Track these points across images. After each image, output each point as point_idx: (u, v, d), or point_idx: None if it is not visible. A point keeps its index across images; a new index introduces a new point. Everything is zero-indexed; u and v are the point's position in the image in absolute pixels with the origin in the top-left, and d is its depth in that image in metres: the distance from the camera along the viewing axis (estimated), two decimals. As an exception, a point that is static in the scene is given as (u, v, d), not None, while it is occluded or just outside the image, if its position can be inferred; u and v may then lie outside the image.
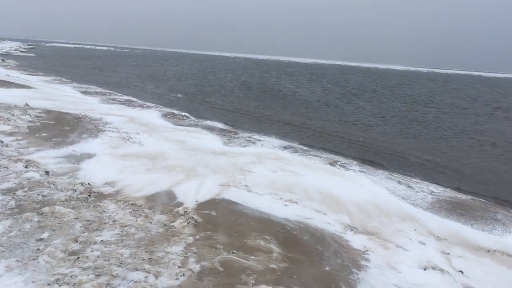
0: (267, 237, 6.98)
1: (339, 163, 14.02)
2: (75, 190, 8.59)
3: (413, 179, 12.89)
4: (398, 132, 21.75)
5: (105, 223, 7.19)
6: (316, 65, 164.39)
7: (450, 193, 11.69)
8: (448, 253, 7.38)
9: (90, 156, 11.75)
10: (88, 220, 7.24)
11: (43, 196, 8.23)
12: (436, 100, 40.26)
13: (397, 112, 29.05)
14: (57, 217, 7.29)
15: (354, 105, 32.06)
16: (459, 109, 33.69)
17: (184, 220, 7.45)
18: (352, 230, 7.94)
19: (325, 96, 37.87)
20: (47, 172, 9.64)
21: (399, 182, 12.28)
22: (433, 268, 6.71)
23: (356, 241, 7.46)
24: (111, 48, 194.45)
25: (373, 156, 16.16)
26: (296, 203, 9.30)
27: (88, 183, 9.09)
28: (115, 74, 47.39)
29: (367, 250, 7.08)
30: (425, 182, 12.64)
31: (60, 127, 15.10)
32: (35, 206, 7.69)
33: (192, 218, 7.46)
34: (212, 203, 8.68)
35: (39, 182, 8.94)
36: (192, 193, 9.21)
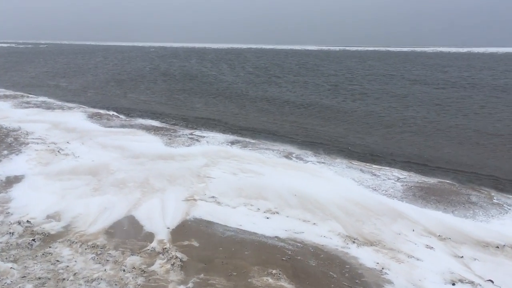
0: (273, 272, 5.60)
1: (294, 155, 12.87)
2: (12, 234, 6.59)
3: (374, 165, 12.09)
4: (331, 113, 21.11)
5: (64, 279, 5.39)
6: (232, 50, 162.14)
7: (415, 177, 11.01)
8: (462, 257, 6.50)
9: (18, 179, 9.56)
10: (40, 278, 5.39)
11: (-30, 247, 6.18)
12: (357, 78, 40.61)
13: (324, 93, 28.57)
14: (-4, 278, 5.36)
15: (282, 88, 31.20)
16: (380, 84, 34.10)
17: (165, 260, 5.83)
18: (353, 241, 6.81)
19: (251, 81, 36.65)
20: (-32, 211, 7.45)
21: (362, 171, 11.41)
22: (461, 281, 5.75)
23: (365, 256, 6.32)
24: (13, 45, 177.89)
25: (321, 141, 15.28)
26: (278, 213, 7.99)
27: (27, 221, 7.08)
28: (22, 73, 42.62)
29: (383, 268, 5.97)
30: (386, 168, 11.89)
31: (-28, 144, 12.46)
32: (-38, 265, 5.67)
33: (176, 257, 5.86)
34: (187, 229, 7.10)
35: (-39, 227, 6.80)
36: (157, 216, 7.55)
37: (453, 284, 5.66)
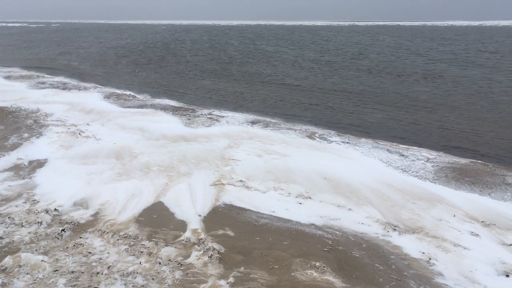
0: (317, 264, 5.24)
1: (317, 134, 12.42)
2: (41, 223, 6.29)
3: (401, 145, 11.62)
4: (346, 90, 20.45)
5: (98, 273, 5.08)
6: (246, 26, 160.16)
7: (446, 158, 10.53)
8: (511, 244, 6.09)
9: (41, 163, 9.26)
10: (73, 272, 5.09)
11: (-1, 238, 5.89)
12: (368, 52, 39.70)
13: (335, 70, 27.86)
14: (27, 273, 5.07)
15: (294, 65, 30.52)
16: (395, 59, 33.27)
17: (201, 251, 5.49)
18: (394, 229, 6.41)
19: (262, 58, 35.92)
20: (-6, 198, 7.16)
21: (389, 151, 10.95)
22: (516, 272, 5.35)
23: (409, 245, 5.94)
24: (25, 24, 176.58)
25: (342, 120, 14.81)
26: (310, 198, 7.60)
27: (55, 209, 6.78)
28: (36, 53, 42.21)
29: (430, 259, 5.58)
30: (414, 147, 11.41)
31: (-8, 127, 12.17)
32: (-8, 258, 5.38)
33: (213, 248, 5.51)
34: (219, 216, 6.75)
35: (-12, 216, 6.51)
36: (187, 203, 7.20)
37: (507, 276, 5.26)
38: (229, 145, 10.93)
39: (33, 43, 57.83)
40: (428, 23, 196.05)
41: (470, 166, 9.91)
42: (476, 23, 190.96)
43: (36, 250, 5.56)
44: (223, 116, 14.67)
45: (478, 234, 6.35)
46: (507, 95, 18.60)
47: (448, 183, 8.80)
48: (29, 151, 10.04)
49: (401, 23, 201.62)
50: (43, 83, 22.09)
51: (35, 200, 7.15)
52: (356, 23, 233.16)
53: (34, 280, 4.93)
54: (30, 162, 9.28)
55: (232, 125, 13.36)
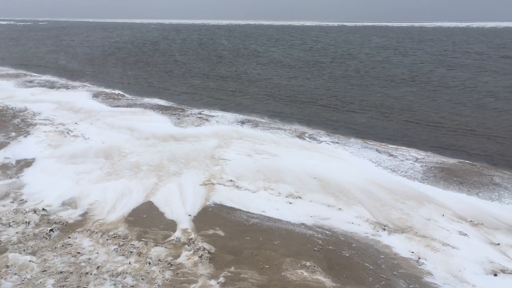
0: (307, 264, 5.24)
1: (306, 134, 12.44)
2: (28, 223, 6.20)
3: (390, 145, 11.68)
4: (334, 87, 20.55)
5: (87, 273, 5.02)
6: (235, 26, 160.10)
7: (434, 158, 10.62)
8: (498, 244, 6.15)
9: (29, 162, 9.15)
10: (61, 272, 5.02)
11: (-14, 238, 5.79)
12: (361, 52, 39.89)
13: (324, 72, 27.95)
14: (15, 273, 4.99)
15: (284, 65, 30.56)
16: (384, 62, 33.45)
17: (191, 251, 5.46)
18: (383, 229, 6.44)
19: (251, 57, 35.90)
20: (-19, 198, 7.04)
21: (378, 151, 11.00)
22: (503, 271, 5.41)
23: (398, 245, 5.97)
24: (12, 22, 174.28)
25: (331, 119, 14.87)
26: (300, 197, 7.60)
27: (43, 208, 6.69)
28: (24, 51, 41.68)
29: (419, 258, 5.62)
30: (403, 147, 11.48)
31: (-21, 126, 11.98)
32: (-21, 259, 5.29)
33: (203, 248, 5.48)
34: (209, 216, 6.72)
35: (-26, 216, 6.40)
36: (177, 203, 7.16)
37: (495, 275, 5.31)
38: (219, 144, 10.90)
39: (20, 41, 57.11)
40: (416, 24, 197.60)
41: (458, 166, 9.99)
42: (463, 24, 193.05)
43: (24, 250, 5.48)
44: (213, 116, 14.62)
45: (466, 234, 6.41)
46: (492, 95, 18.81)
47: (437, 183, 8.87)
48: (17, 150, 9.91)
49: (389, 24, 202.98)
50: (30, 81, 21.83)
51: (22, 199, 7.05)
52: (345, 23, 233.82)
53: (22, 280, 4.86)
54: (18, 162, 9.16)
55: (222, 124, 13.32)
